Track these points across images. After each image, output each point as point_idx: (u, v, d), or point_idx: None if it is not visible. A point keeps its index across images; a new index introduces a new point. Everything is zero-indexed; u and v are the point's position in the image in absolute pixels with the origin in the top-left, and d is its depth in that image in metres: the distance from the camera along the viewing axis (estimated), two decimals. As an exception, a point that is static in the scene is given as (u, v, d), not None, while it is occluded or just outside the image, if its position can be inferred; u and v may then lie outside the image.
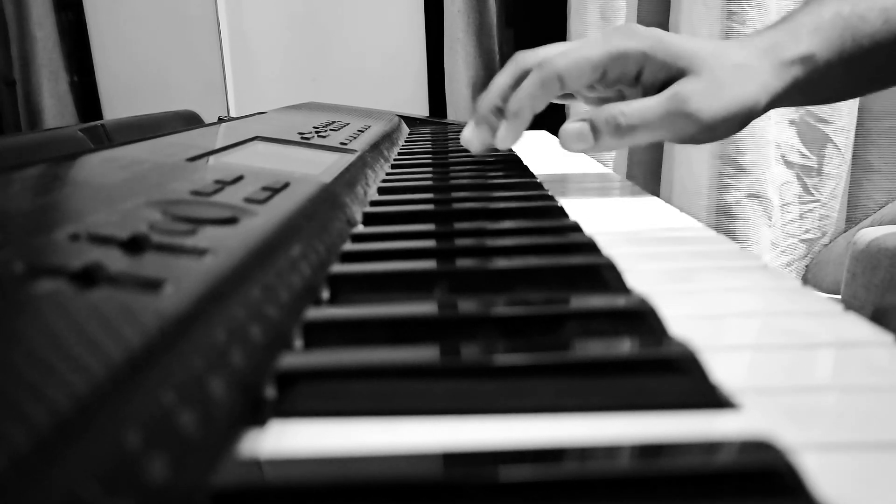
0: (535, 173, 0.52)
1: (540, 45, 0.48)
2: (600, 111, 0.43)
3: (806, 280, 1.01)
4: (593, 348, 0.20)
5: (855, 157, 1.01)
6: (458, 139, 0.52)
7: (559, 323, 0.21)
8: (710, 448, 0.15)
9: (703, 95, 0.42)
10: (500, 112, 0.47)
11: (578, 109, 1.10)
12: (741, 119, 0.43)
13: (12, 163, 0.32)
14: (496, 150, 0.51)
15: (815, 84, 0.45)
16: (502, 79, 0.47)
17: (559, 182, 0.51)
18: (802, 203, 1.01)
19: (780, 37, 0.45)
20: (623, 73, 0.43)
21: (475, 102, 1.31)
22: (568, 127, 0.44)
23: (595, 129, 0.43)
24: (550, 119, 0.59)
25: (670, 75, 0.43)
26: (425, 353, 0.19)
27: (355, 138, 0.58)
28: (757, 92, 0.43)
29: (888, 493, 0.13)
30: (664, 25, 1.07)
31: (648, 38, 0.43)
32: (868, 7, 0.45)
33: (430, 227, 0.36)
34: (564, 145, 0.44)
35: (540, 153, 0.67)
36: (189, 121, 0.76)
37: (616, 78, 0.44)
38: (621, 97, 0.46)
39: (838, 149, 0.97)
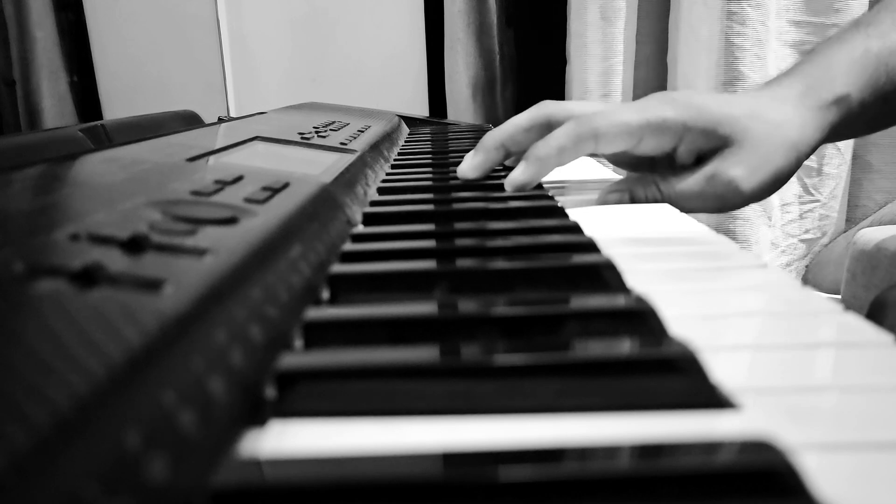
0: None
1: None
2: (639, 182, 0.43)
3: (806, 280, 1.01)
4: (593, 348, 0.20)
5: (855, 157, 1.01)
6: (458, 139, 0.51)
7: (559, 323, 0.21)
8: (709, 448, 0.15)
9: (744, 172, 0.41)
10: (504, 150, 0.46)
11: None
12: (782, 181, 0.43)
13: (12, 163, 0.32)
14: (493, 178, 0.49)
15: (850, 123, 0.44)
16: (520, 120, 0.46)
17: (559, 182, 0.51)
18: (802, 203, 1.01)
19: (814, 80, 0.44)
20: (659, 144, 0.42)
21: (475, 101, 1.31)
22: (606, 191, 0.43)
23: (634, 198, 0.43)
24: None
25: (709, 145, 0.42)
26: (425, 353, 0.19)
27: (355, 138, 0.58)
28: (798, 149, 0.42)
29: (888, 493, 0.13)
30: (664, 26, 1.07)
31: (688, 108, 0.42)
32: None
33: (429, 227, 0.36)
34: (600, 199, 0.43)
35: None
36: (189, 121, 0.76)
37: (652, 148, 0.42)
38: (650, 161, 0.46)
39: (838, 149, 0.97)
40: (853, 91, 0.44)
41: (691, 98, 0.43)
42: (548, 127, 0.45)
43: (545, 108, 0.46)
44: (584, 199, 0.44)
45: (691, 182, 0.42)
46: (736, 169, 0.41)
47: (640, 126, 0.41)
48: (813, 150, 0.44)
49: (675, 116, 0.41)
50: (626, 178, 0.44)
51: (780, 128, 0.42)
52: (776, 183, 0.43)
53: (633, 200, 0.43)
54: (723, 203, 0.42)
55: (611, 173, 0.57)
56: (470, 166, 0.46)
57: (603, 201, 0.43)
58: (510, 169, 0.46)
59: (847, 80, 0.44)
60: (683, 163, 0.43)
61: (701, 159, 0.43)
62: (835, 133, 0.45)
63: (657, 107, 0.42)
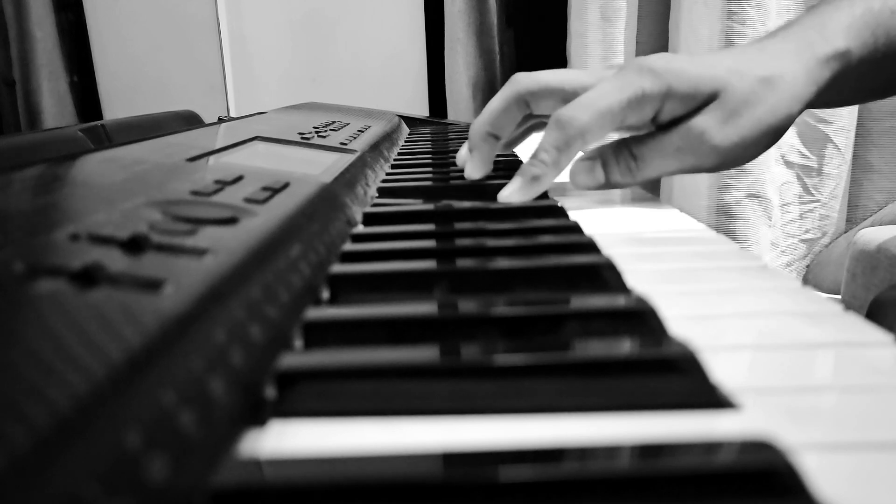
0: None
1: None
2: (611, 148, 0.41)
3: (806, 280, 1.01)
4: (593, 348, 0.20)
5: (855, 157, 1.01)
6: (458, 139, 0.51)
7: (559, 323, 0.21)
8: (709, 448, 0.15)
9: (721, 127, 0.39)
10: (493, 137, 0.45)
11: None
12: (768, 140, 0.41)
13: (12, 163, 0.32)
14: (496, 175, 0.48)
15: (845, 84, 0.42)
16: (495, 104, 0.45)
17: (559, 182, 0.51)
18: (802, 203, 1.01)
19: (810, 34, 0.42)
20: (640, 118, 0.40)
21: (475, 101, 1.31)
22: (578, 164, 0.42)
23: (606, 166, 0.41)
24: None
25: (692, 106, 0.40)
26: (425, 354, 0.19)
27: (355, 138, 0.58)
28: (788, 104, 0.40)
29: (888, 493, 0.13)
30: (664, 26, 1.07)
31: (667, 74, 0.39)
32: None
33: (429, 227, 0.36)
34: (574, 182, 0.42)
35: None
36: (189, 121, 0.76)
37: (633, 122, 0.40)
38: (633, 131, 0.43)
39: (838, 149, 0.97)
40: (853, 48, 0.41)
41: (669, 63, 0.40)
42: (524, 102, 0.44)
43: (517, 85, 0.44)
44: (585, 200, 0.44)
45: (663, 140, 0.40)
46: (706, 120, 0.39)
47: (621, 108, 0.39)
48: (806, 105, 0.41)
49: (652, 87, 0.39)
50: (599, 147, 0.42)
51: (768, 83, 0.40)
52: (761, 138, 0.40)
53: (607, 171, 0.41)
54: (697, 160, 0.40)
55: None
56: (472, 167, 0.46)
57: (577, 182, 0.42)
58: (507, 167, 0.46)
59: (846, 36, 0.41)
60: (662, 124, 0.41)
61: (684, 118, 0.41)
62: (832, 91, 0.42)
63: (635, 79, 0.39)
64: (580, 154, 0.42)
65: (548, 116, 0.42)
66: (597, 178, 0.41)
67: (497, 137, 0.45)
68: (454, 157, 0.61)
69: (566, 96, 0.42)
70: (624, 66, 0.41)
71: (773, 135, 0.40)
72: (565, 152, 0.40)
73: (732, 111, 0.39)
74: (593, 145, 0.42)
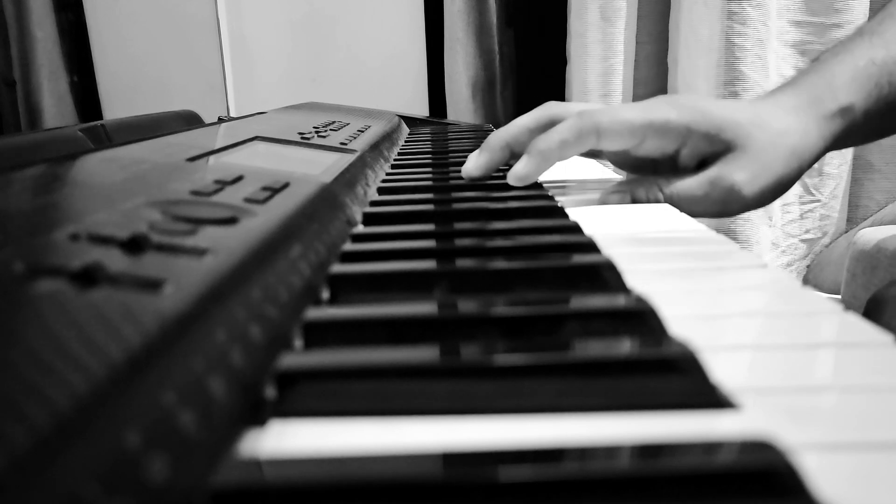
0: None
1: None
2: (641, 184, 0.42)
3: (806, 280, 1.01)
4: (593, 348, 0.20)
5: (855, 157, 1.01)
6: (458, 139, 0.51)
7: (559, 323, 0.21)
8: (709, 448, 0.15)
9: (746, 177, 0.41)
10: (508, 149, 0.46)
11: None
12: (785, 187, 0.43)
13: (12, 163, 0.32)
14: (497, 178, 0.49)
15: (851, 134, 0.45)
16: (525, 120, 0.46)
17: (559, 182, 0.51)
18: (803, 203, 1.01)
19: (818, 90, 0.44)
20: (661, 146, 0.42)
21: (475, 101, 1.31)
22: (608, 194, 0.43)
23: (635, 200, 0.42)
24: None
25: (712, 150, 0.42)
26: (425, 354, 0.19)
27: (355, 138, 0.58)
28: (801, 157, 0.42)
29: (888, 493, 0.13)
30: (664, 26, 1.07)
31: (692, 111, 0.42)
32: None
33: (429, 227, 0.36)
34: (601, 199, 0.43)
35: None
36: (189, 121, 0.76)
37: (654, 149, 0.42)
38: (651, 163, 0.45)
39: (839, 149, 0.97)
40: (857, 101, 0.44)
41: (696, 102, 0.43)
42: (552, 126, 0.44)
43: (550, 109, 0.46)
44: (584, 199, 0.44)
45: (693, 185, 0.42)
46: (738, 174, 0.41)
47: (642, 126, 0.41)
48: (816, 159, 0.44)
49: (678, 119, 0.41)
50: (628, 180, 0.44)
51: (783, 136, 0.42)
52: (777, 190, 0.43)
53: (635, 202, 0.43)
54: (724, 208, 0.42)
55: (611, 174, 0.57)
56: (475, 166, 0.46)
57: (604, 201, 0.43)
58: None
59: (850, 90, 0.44)
60: (686, 166, 0.43)
61: (703, 164, 0.43)
62: (838, 143, 0.45)
63: (661, 108, 0.42)
64: (610, 184, 0.45)
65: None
66: (624, 203, 0.43)
67: (512, 153, 0.46)
68: (454, 157, 0.61)
69: None
70: (652, 98, 0.43)
71: (788, 183, 0.43)
72: (576, 140, 0.41)
73: (755, 163, 0.41)
74: (618, 178, 0.46)
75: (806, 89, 0.44)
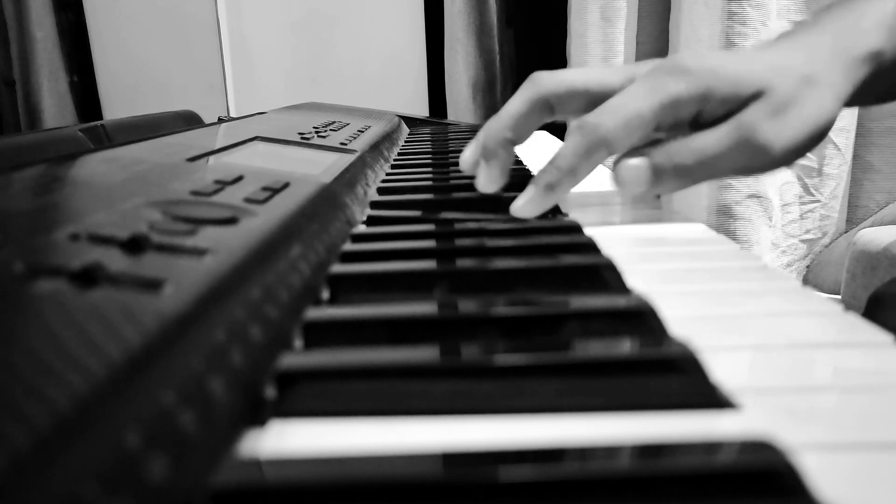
0: (534, 174, 0.52)
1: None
2: (659, 152, 0.37)
3: (806, 280, 1.01)
4: (593, 348, 0.20)
5: (855, 157, 1.01)
6: (458, 139, 0.51)
7: (559, 323, 0.21)
8: (710, 448, 0.15)
9: (772, 123, 0.36)
10: (510, 144, 0.40)
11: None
12: (815, 140, 0.38)
13: (12, 163, 0.32)
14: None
15: (879, 83, 0.40)
16: (515, 106, 0.40)
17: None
18: (803, 203, 1.01)
19: (845, 31, 0.39)
20: (676, 120, 0.37)
21: (475, 101, 1.31)
22: (624, 166, 0.37)
23: (657, 172, 0.36)
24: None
25: (734, 108, 0.36)
26: (425, 353, 0.19)
27: (355, 138, 0.58)
28: (830, 107, 0.37)
29: (888, 493, 0.13)
30: (664, 26, 1.07)
31: (703, 75, 0.36)
32: None
33: (429, 227, 0.36)
34: (619, 187, 0.37)
35: (540, 154, 0.67)
36: (189, 121, 0.76)
37: (668, 125, 0.37)
38: (671, 134, 0.39)
39: (838, 149, 0.97)
40: (887, 48, 0.39)
41: (704, 61, 0.37)
42: (547, 106, 0.40)
43: (540, 87, 0.40)
44: (585, 201, 0.44)
45: (714, 139, 0.36)
46: (762, 116, 0.36)
47: (653, 115, 0.36)
48: (842, 106, 0.38)
49: (689, 90, 0.36)
50: (644, 149, 0.38)
51: (809, 82, 0.37)
52: (807, 138, 0.37)
53: (656, 175, 0.36)
54: (753, 162, 0.37)
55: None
56: (487, 179, 0.40)
57: (625, 188, 0.37)
58: (517, 175, 0.43)
59: (880, 34, 0.39)
60: (707, 125, 0.37)
61: (727, 116, 0.37)
62: (864, 90, 0.39)
63: (669, 83, 0.36)
64: (617, 158, 0.38)
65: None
66: (645, 183, 0.37)
67: (515, 143, 0.41)
68: (454, 158, 0.61)
69: (593, 98, 0.38)
70: (656, 66, 0.38)
71: (818, 135, 0.38)
72: (586, 161, 0.36)
73: (779, 108, 0.36)
74: (619, 153, 0.38)
75: (832, 29, 0.39)
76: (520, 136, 0.40)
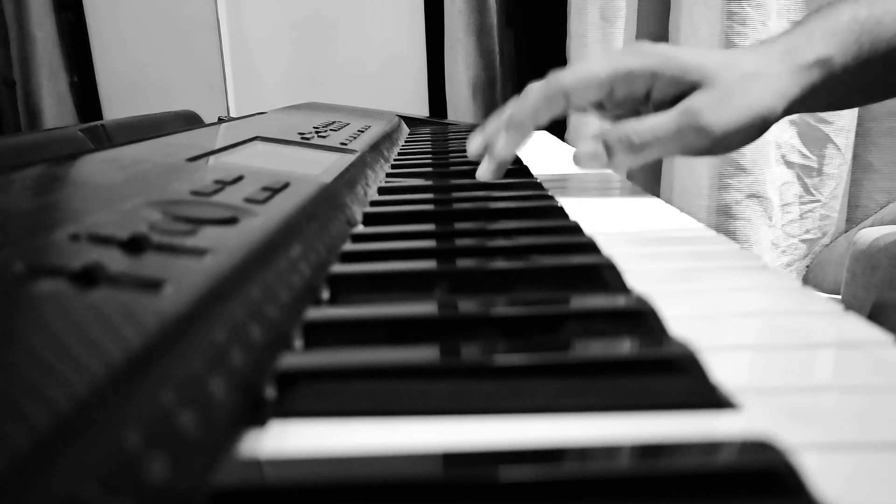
0: (534, 173, 0.52)
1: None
2: (613, 130, 0.43)
3: (806, 280, 1.01)
4: (593, 348, 0.20)
5: (855, 157, 1.01)
6: (458, 139, 0.51)
7: (559, 323, 0.21)
8: (710, 448, 0.15)
9: (713, 107, 0.41)
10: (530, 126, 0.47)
11: (577, 122, 1.10)
12: (756, 128, 0.43)
13: (12, 163, 0.32)
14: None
15: (831, 89, 0.44)
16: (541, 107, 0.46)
17: (559, 182, 0.51)
18: (803, 203, 1.01)
19: (796, 41, 0.44)
20: (631, 92, 0.43)
21: (475, 101, 1.31)
22: (581, 148, 0.43)
23: (609, 148, 0.43)
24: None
25: (681, 91, 0.42)
26: (425, 354, 0.19)
27: (355, 138, 0.58)
28: (772, 100, 0.42)
29: (888, 493, 0.13)
30: (664, 26, 1.07)
31: (655, 56, 0.43)
32: (885, 10, 0.44)
33: (429, 227, 0.36)
34: (579, 164, 0.44)
35: (539, 153, 0.67)
36: (189, 121, 0.76)
37: (624, 97, 0.43)
38: (635, 114, 0.46)
39: (838, 149, 0.97)
40: (835, 54, 0.43)
41: (662, 48, 0.43)
42: (564, 94, 0.44)
43: (558, 83, 0.44)
44: (585, 201, 0.44)
45: (663, 119, 0.42)
46: (705, 101, 0.41)
47: (608, 77, 0.42)
48: (791, 104, 0.43)
49: (641, 64, 0.42)
50: (601, 129, 0.44)
51: (753, 77, 0.42)
52: (751, 125, 0.42)
53: (609, 151, 0.43)
54: (696, 142, 0.42)
55: (611, 173, 0.57)
56: (487, 171, 0.47)
57: (580, 161, 0.43)
58: (508, 168, 0.46)
59: (829, 43, 0.43)
60: (659, 108, 0.43)
61: (674, 101, 0.43)
62: (816, 96, 0.44)
63: (625, 57, 0.43)
64: (585, 138, 0.45)
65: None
66: (599, 160, 0.43)
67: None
68: (454, 157, 0.61)
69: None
70: (622, 48, 0.46)
71: (759, 125, 0.43)
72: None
73: (722, 95, 0.42)
74: (594, 126, 0.46)
75: (784, 41, 0.44)
76: (539, 120, 0.45)
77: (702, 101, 0.42)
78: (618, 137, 0.43)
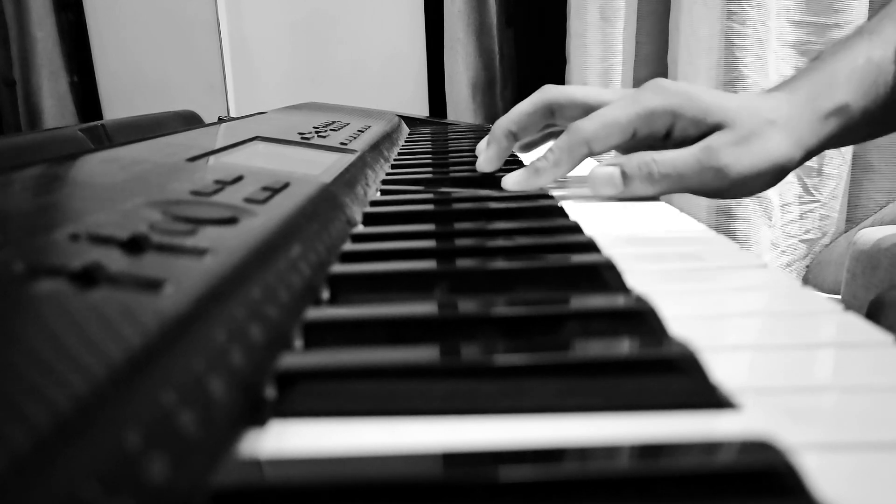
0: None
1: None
2: (632, 158, 0.43)
3: (806, 280, 1.01)
4: (593, 348, 0.20)
5: (855, 157, 1.01)
6: (458, 139, 0.51)
7: (559, 323, 0.21)
8: (709, 448, 0.15)
9: (733, 149, 0.41)
10: (513, 136, 0.48)
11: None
12: (773, 175, 0.43)
13: (12, 163, 0.32)
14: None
15: (850, 131, 0.45)
16: (524, 106, 0.48)
17: (559, 182, 0.51)
18: (803, 203, 1.01)
19: (816, 87, 0.44)
20: (652, 132, 0.43)
21: (475, 101, 1.31)
22: (598, 171, 0.43)
23: (626, 176, 0.43)
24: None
25: (701, 131, 0.42)
26: (425, 354, 0.19)
27: (355, 138, 0.58)
28: (790, 149, 0.43)
29: (888, 493, 0.13)
30: (664, 26, 1.07)
31: (678, 96, 0.43)
32: None
33: (429, 227, 0.36)
34: (593, 189, 0.43)
35: (539, 153, 0.67)
36: (189, 121, 0.76)
37: (645, 136, 0.44)
38: (649, 148, 0.46)
39: (838, 149, 0.97)
40: (854, 100, 0.44)
41: (684, 88, 0.43)
42: (550, 111, 0.48)
43: (547, 94, 0.48)
44: (585, 201, 0.44)
45: (684, 154, 0.42)
46: (726, 142, 0.42)
47: (629, 122, 0.43)
48: (809, 155, 0.44)
49: (663, 104, 0.42)
50: (619, 158, 0.44)
51: (773, 125, 0.42)
52: (768, 171, 0.42)
53: (626, 181, 0.43)
54: (713, 182, 0.42)
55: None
56: (486, 160, 0.49)
57: (596, 189, 0.43)
58: (508, 169, 0.46)
59: (848, 88, 0.44)
60: (677, 142, 0.44)
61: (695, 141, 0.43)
62: (834, 141, 0.45)
63: (647, 97, 0.43)
64: (597, 162, 0.46)
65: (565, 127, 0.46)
66: (616, 187, 0.43)
67: (516, 137, 0.49)
68: (454, 157, 0.61)
69: (589, 109, 0.45)
70: (643, 87, 0.44)
71: (776, 173, 0.43)
72: (568, 155, 0.43)
73: (742, 138, 0.42)
74: (606, 156, 0.47)
75: (803, 87, 0.45)
76: (522, 130, 0.49)
77: (722, 141, 0.42)
78: (637, 165, 0.42)
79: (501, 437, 0.16)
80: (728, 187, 0.43)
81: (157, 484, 0.12)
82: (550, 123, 0.49)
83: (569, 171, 0.44)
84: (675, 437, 0.15)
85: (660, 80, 0.44)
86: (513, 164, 0.55)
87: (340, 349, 0.20)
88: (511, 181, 0.45)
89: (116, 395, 0.13)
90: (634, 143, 0.45)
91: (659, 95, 0.43)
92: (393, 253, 0.30)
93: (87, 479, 0.11)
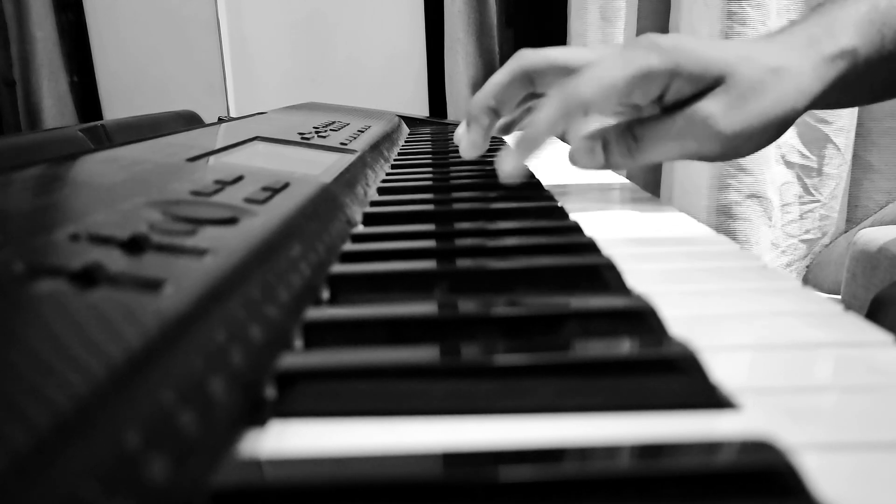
0: (534, 173, 0.52)
1: (540, 45, 0.45)
2: (613, 130, 0.40)
3: (806, 280, 1.01)
4: (593, 348, 0.20)
5: (855, 157, 1.01)
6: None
7: (559, 323, 0.21)
8: (709, 448, 0.15)
9: (721, 108, 0.38)
10: (493, 113, 0.44)
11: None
12: (772, 131, 0.40)
13: (12, 163, 0.32)
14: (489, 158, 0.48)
15: (853, 83, 0.41)
16: (499, 77, 0.44)
17: (559, 182, 0.51)
18: (803, 203, 1.01)
19: (817, 31, 0.41)
20: (645, 95, 0.39)
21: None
22: (577, 144, 0.41)
23: (607, 147, 0.40)
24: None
25: (698, 88, 0.39)
26: (425, 354, 0.19)
27: (355, 138, 0.58)
28: (794, 97, 0.39)
29: (888, 493, 0.13)
30: (664, 25, 1.07)
31: (675, 52, 0.38)
32: None
33: (429, 227, 0.36)
34: (574, 163, 0.41)
35: (539, 153, 0.67)
36: (189, 121, 0.76)
37: (637, 98, 0.40)
38: (637, 112, 0.43)
39: (838, 149, 0.97)
40: (858, 46, 0.40)
41: (679, 42, 0.39)
42: (528, 78, 0.43)
43: (523, 59, 0.43)
44: (585, 201, 0.44)
45: (667, 124, 0.39)
46: (713, 106, 0.38)
47: (626, 84, 0.38)
48: (812, 103, 0.40)
49: (660, 64, 0.38)
50: (600, 129, 0.42)
51: (776, 73, 0.39)
52: (764, 130, 0.39)
53: (606, 152, 0.41)
54: (703, 147, 0.39)
55: (613, 177, 0.57)
56: (469, 144, 0.45)
57: (576, 161, 0.41)
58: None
59: (851, 33, 0.41)
60: (670, 106, 0.40)
61: (688, 102, 0.40)
62: (839, 91, 0.41)
63: (643, 56, 0.39)
64: (580, 133, 0.42)
65: None
66: (596, 159, 0.41)
67: (497, 113, 0.44)
68: (454, 158, 0.61)
69: (571, 73, 0.41)
70: (632, 43, 0.40)
71: (776, 128, 0.40)
72: (563, 120, 0.39)
73: (739, 97, 0.38)
74: (595, 122, 0.42)
75: (805, 30, 0.41)
76: (501, 104, 0.44)
77: (712, 104, 0.38)
78: (618, 136, 0.40)
79: (501, 437, 0.16)
80: (722, 151, 0.40)
81: (157, 484, 0.12)
82: (530, 94, 0.45)
83: (562, 132, 0.40)
84: (676, 437, 0.15)
85: (651, 36, 0.40)
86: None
87: (340, 349, 0.20)
88: (506, 164, 0.41)
89: (116, 395, 0.13)
90: (622, 106, 0.42)
91: (654, 53, 0.38)
92: (393, 253, 0.30)
93: (87, 479, 0.11)
